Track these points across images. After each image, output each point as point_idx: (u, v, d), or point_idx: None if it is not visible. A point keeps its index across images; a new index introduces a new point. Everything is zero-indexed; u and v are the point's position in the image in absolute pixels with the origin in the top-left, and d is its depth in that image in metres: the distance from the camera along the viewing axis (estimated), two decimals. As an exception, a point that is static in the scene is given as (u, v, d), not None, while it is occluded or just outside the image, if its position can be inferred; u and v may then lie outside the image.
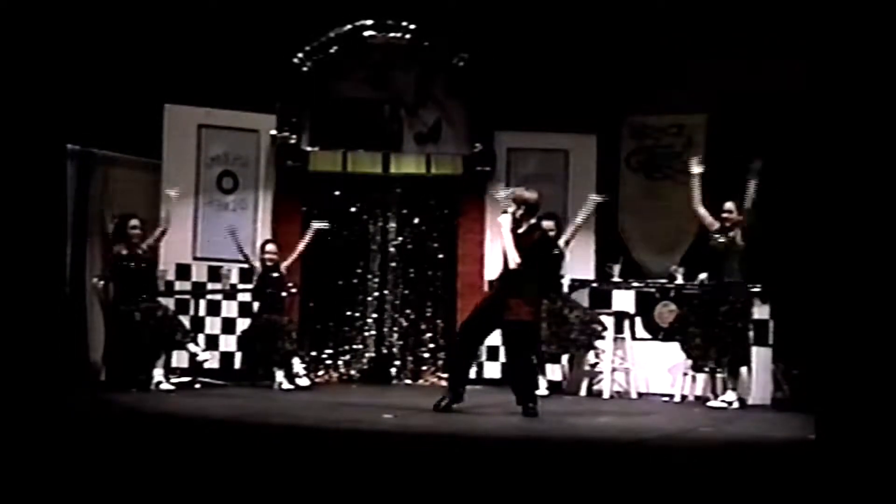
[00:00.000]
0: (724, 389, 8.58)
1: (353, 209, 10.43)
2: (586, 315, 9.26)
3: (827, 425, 4.30)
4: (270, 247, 9.44)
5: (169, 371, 8.82)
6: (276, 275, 9.34)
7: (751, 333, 8.69)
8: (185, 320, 9.27)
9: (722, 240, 8.55)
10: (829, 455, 4.11)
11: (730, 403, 8.41)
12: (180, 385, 8.79)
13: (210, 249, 9.78)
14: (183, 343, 8.80)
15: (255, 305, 9.54)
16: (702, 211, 8.68)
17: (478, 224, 10.08)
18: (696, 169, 8.66)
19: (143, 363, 8.63)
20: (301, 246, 9.55)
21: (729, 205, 8.57)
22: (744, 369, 8.64)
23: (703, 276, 9.05)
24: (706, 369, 8.74)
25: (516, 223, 7.36)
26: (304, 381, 9.04)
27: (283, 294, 9.47)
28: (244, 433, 6.12)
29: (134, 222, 8.81)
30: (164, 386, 8.55)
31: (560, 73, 9.88)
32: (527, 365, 7.53)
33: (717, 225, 8.60)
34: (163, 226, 9.06)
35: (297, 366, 9.12)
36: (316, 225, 9.62)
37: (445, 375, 7.69)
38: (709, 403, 8.53)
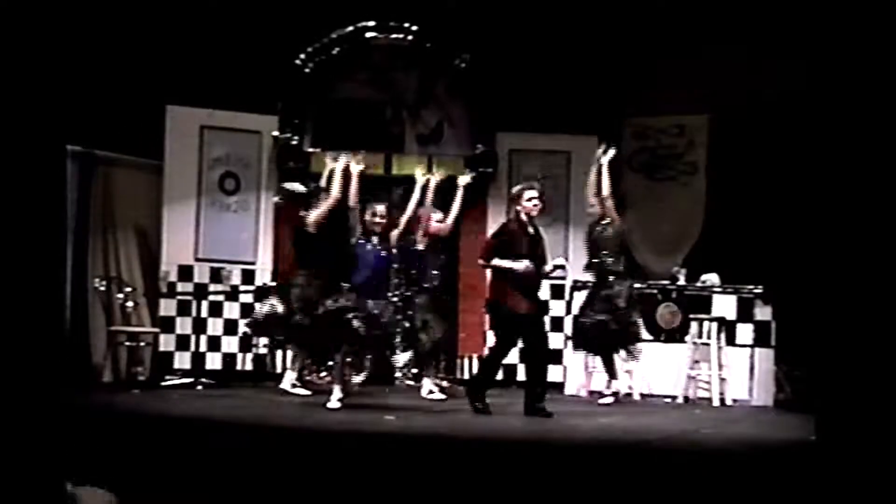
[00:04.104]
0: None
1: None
2: None
3: (828, 426, 4.29)
4: (381, 208, 7.55)
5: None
6: (383, 252, 7.50)
7: (639, 321, 8.66)
8: (188, 322, 9.25)
9: (600, 227, 8.48)
10: (830, 456, 4.10)
11: (615, 394, 8.47)
12: (181, 386, 8.74)
13: (212, 251, 9.78)
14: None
15: None
16: (592, 197, 8.43)
17: (480, 225, 10.07)
18: (605, 157, 8.39)
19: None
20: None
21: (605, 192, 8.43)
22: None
23: (710, 277, 9.07)
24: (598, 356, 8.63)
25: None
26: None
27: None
28: (246, 434, 6.12)
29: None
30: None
31: (562, 74, 9.89)
32: None
33: (599, 211, 8.46)
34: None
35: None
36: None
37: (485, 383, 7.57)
38: (600, 400, 8.48)
